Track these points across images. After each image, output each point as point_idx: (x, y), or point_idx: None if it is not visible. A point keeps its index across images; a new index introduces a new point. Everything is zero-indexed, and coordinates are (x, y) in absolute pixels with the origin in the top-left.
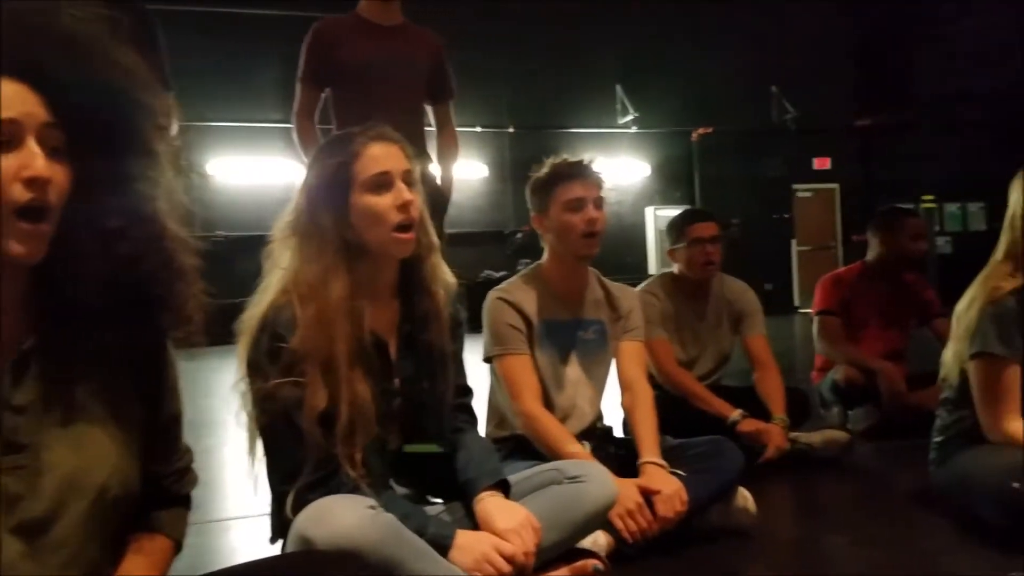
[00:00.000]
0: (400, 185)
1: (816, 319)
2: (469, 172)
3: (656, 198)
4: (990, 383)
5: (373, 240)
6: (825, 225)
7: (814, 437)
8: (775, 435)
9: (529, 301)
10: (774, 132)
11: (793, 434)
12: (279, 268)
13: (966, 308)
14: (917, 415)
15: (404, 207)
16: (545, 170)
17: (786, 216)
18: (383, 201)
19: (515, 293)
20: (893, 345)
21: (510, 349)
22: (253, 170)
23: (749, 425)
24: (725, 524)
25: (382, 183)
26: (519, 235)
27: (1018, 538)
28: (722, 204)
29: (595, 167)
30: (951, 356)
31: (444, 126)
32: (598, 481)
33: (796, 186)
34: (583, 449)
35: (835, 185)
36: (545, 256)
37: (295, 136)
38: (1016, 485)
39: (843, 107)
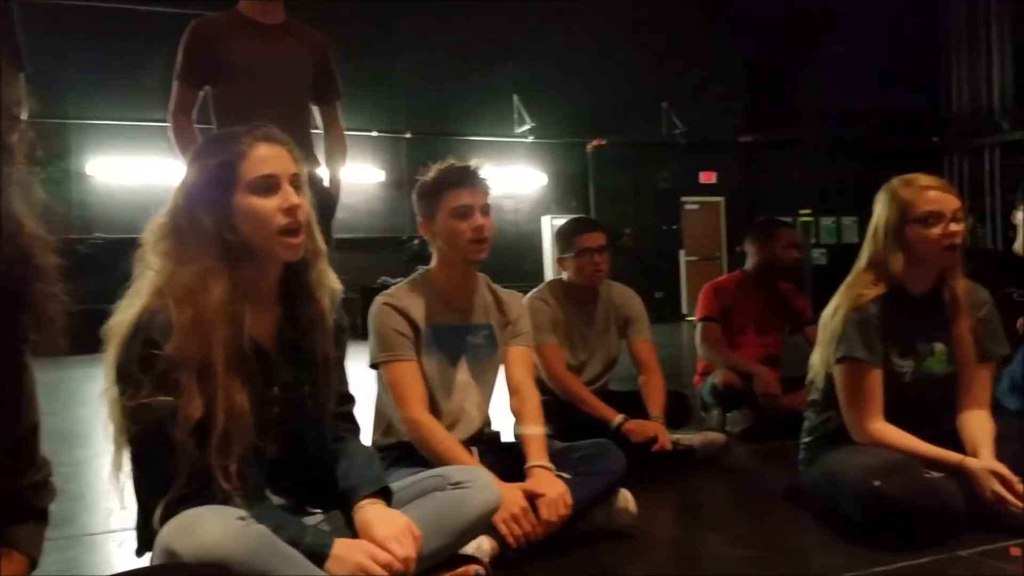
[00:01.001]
0: (287, 188)
1: (698, 325)
2: (365, 177)
3: (552, 207)
4: (854, 386)
5: (257, 243)
6: (711, 236)
7: (694, 439)
8: (659, 429)
9: (417, 306)
10: (664, 146)
11: (674, 436)
12: (151, 271)
13: (831, 315)
14: (791, 417)
15: (290, 211)
16: (432, 176)
17: (675, 227)
18: (269, 204)
19: (402, 298)
20: (769, 350)
21: (396, 355)
22: (136, 170)
23: (633, 424)
24: (608, 525)
25: (268, 185)
26: (416, 241)
27: (880, 534)
28: (615, 214)
29: (482, 173)
30: (818, 360)
31: (331, 128)
32: (481, 486)
33: (684, 198)
34: (470, 455)
35: (721, 198)
36: (433, 261)
37: (171, 134)
38: (877, 483)
39: (728, 124)
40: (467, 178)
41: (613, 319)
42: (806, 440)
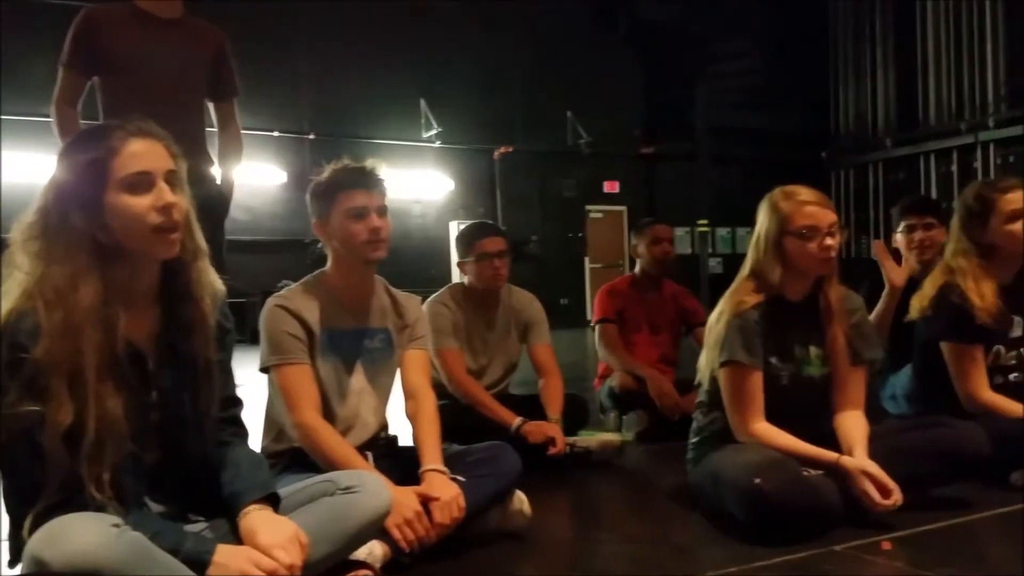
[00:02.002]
0: (161, 185)
1: (596, 328)
2: (266, 178)
3: (460, 213)
4: (736, 388)
5: (130, 243)
6: (615, 244)
7: (590, 441)
8: (556, 430)
9: (310, 309)
10: (569, 155)
11: (571, 439)
12: (20, 272)
13: (716, 320)
14: (686, 418)
15: (164, 209)
16: (326, 176)
17: (580, 235)
18: (142, 202)
19: (295, 300)
20: (663, 349)
21: (288, 359)
22: (24, 167)
23: (531, 426)
24: (501, 527)
25: (141, 182)
26: (320, 244)
27: (761, 530)
28: (522, 221)
29: (379, 174)
30: (704, 364)
31: (226, 125)
32: (372, 491)
33: (589, 207)
34: (364, 460)
35: (624, 207)
36: (329, 263)
37: (54, 125)
38: (757, 481)
39: (631, 135)
40: (362, 178)
41: (514, 323)
42: (693, 440)
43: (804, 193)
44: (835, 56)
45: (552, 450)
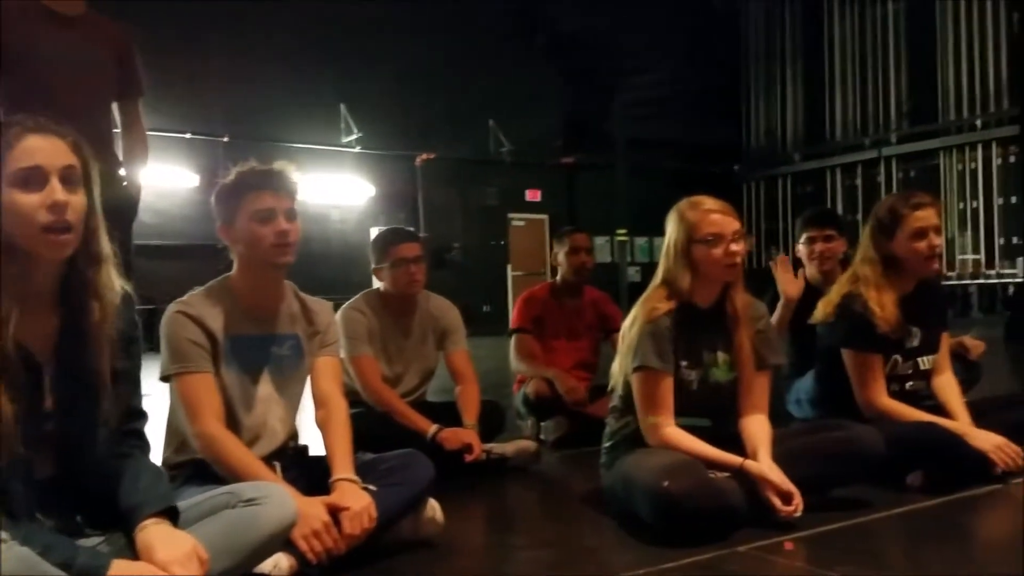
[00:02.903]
0: (54, 183)
1: (512, 337)
2: (178, 180)
3: (381, 219)
4: (648, 393)
5: (20, 241)
6: (536, 253)
7: (507, 447)
8: (472, 437)
9: (214, 315)
10: (491, 163)
11: (487, 445)
12: None
13: (629, 327)
14: (601, 423)
15: (55, 207)
16: (232, 178)
17: (502, 243)
18: (31, 199)
19: (198, 306)
20: (582, 355)
21: (190, 367)
22: None
23: (447, 433)
24: (414, 535)
25: (32, 179)
26: None
27: (669, 532)
28: (444, 228)
29: (289, 176)
30: (618, 369)
31: (131, 126)
32: (275, 502)
33: (511, 215)
34: (270, 471)
35: (545, 216)
36: (235, 268)
37: None
38: (665, 484)
39: (552, 145)
40: (270, 180)
41: (431, 330)
42: (607, 444)
43: (709, 202)
44: (747, 73)
45: (468, 457)
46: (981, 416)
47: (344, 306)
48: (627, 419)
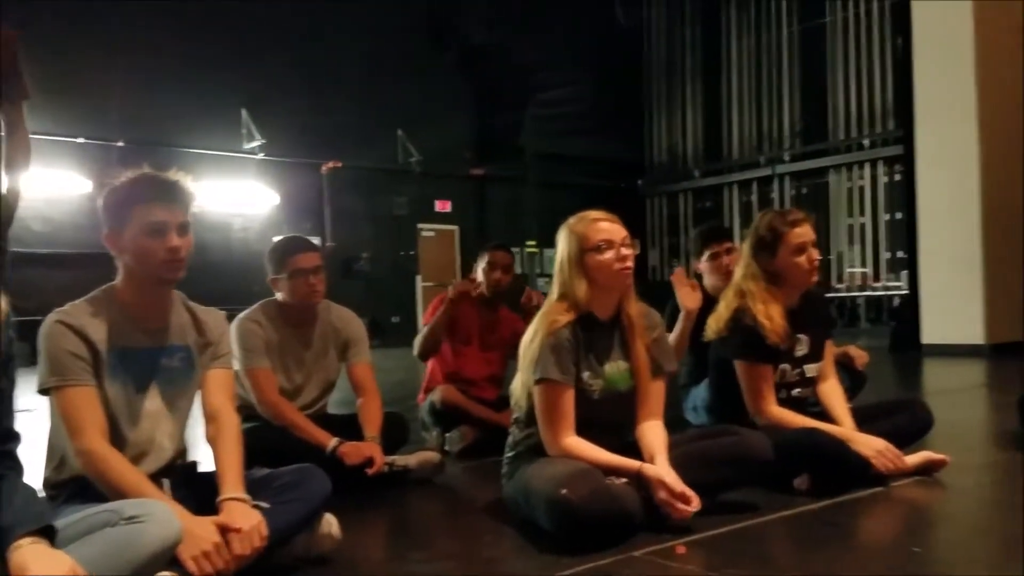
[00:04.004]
0: None
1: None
2: (69, 187)
3: (285, 228)
4: (549, 404)
5: None
6: (446, 263)
7: (410, 459)
8: (374, 449)
9: (96, 326)
10: (400, 173)
11: (389, 457)
12: None
13: (530, 340)
14: (505, 433)
15: None
16: (123, 184)
17: (412, 253)
18: None
19: (79, 317)
20: (492, 367)
21: (70, 380)
22: None
23: (347, 447)
24: (309, 552)
25: None
26: None
27: (568, 540)
28: (352, 238)
29: (184, 186)
30: (519, 385)
31: (13, 130)
32: (158, 520)
33: (421, 225)
34: (157, 489)
35: (455, 227)
36: (119, 276)
37: None
38: (563, 492)
39: (462, 156)
40: (163, 191)
41: (332, 341)
42: (509, 455)
43: (594, 213)
44: (649, 91)
45: (370, 470)
46: (864, 421)
47: (239, 317)
48: (530, 430)
